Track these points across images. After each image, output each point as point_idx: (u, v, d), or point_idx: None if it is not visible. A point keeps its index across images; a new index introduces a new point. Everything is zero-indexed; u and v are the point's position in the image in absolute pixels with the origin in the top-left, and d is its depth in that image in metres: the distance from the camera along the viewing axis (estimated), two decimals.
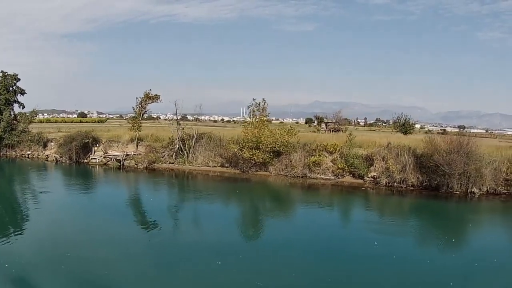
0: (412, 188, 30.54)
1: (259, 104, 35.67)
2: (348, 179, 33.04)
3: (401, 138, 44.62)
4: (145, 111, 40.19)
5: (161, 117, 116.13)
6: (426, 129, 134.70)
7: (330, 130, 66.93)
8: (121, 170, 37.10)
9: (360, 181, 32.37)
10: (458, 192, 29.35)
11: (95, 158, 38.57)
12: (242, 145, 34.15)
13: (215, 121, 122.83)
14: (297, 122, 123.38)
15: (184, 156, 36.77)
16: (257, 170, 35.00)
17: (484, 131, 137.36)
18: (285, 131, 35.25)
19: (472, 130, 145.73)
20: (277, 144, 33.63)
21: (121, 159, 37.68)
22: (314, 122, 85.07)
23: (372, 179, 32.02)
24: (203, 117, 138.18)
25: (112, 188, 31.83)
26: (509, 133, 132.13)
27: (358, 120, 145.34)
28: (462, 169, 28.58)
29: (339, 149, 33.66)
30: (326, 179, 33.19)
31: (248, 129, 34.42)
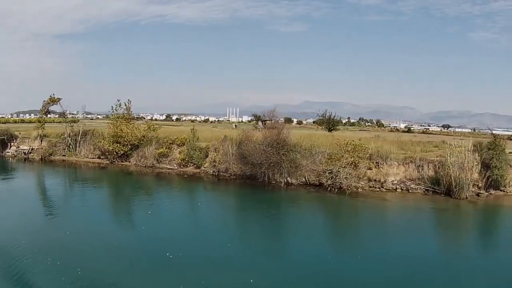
0: (234, 177, 30.69)
1: (124, 104, 38.00)
2: (190, 169, 33.80)
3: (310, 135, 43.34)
4: (49, 112, 43.76)
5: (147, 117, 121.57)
6: (413, 128, 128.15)
7: (267, 127, 67.08)
8: (25, 161, 40.75)
9: (198, 170, 33.44)
10: (274, 182, 28.74)
11: (9, 152, 42.80)
12: (107, 139, 36.53)
13: (192, 121, 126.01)
14: (285, 122, 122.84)
15: (72, 150, 39.90)
16: (122, 161, 36.60)
17: (470, 131, 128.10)
18: (147, 127, 37.27)
19: (458, 129, 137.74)
20: (133, 138, 35.67)
21: (27, 152, 41.63)
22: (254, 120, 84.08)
23: (206, 168, 32.93)
24: (189, 117, 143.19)
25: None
26: (494, 132, 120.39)
27: (342, 120, 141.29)
28: (271, 160, 28.51)
29: (186, 143, 34.92)
30: (170, 168, 34.39)
31: (111, 125, 36.76)
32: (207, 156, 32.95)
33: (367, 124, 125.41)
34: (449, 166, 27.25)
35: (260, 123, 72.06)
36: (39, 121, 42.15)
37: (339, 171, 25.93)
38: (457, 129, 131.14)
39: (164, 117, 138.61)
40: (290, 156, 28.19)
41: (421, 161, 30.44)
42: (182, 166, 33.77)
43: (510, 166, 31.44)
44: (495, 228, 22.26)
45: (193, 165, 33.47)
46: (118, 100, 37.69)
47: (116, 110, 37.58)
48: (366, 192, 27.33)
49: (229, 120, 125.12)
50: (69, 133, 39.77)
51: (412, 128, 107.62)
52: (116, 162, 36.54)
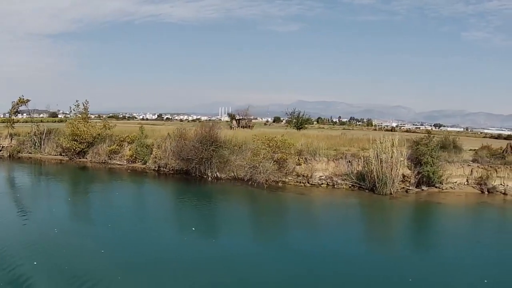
0: (172, 172, 32.44)
1: (83, 104, 40.25)
2: (138, 164, 35.64)
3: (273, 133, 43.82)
4: (18, 113, 46.34)
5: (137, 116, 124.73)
6: (405, 128, 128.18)
7: (241, 126, 68.59)
8: None
9: (144, 166, 35.16)
10: (206, 176, 30.48)
11: None
12: (66, 137, 38.69)
13: (181, 120, 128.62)
14: (274, 121, 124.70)
15: (37, 147, 42.27)
16: (79, 158, 38.82)
17: (463, 130, 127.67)
18: (104, 125, 39.34)
19: (450, 129, 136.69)
20: (88, 136, 37.72)
21: None
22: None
23: (150, 164, 34.67)
24: (181, 117, 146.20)
25: None
26: (486, 131, 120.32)
27: (333, 119, 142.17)
28: (201, 155, 30.05)
29: (135, 140, 36.73)
30: (120, 164, 36.31)
31: (69, 124, 39.00)
32: (151, 152, 34.65)
33: (358, 123, 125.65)
34: (372, 162, 28.03)
35: (234, 122, 74.11)
36: (9, 121, 44.68)
37: (257, 166, 27.26)
38: (449, 128, 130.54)
39: (155, 116, 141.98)
40: (219, 152, 29.69)
41: (351, 157, 31.45)
42: (130, 162, 35.72)
43: (449, 162, 32.14)
44: (405, 224, 22.96)
45: (140, 161, 35.25)
46: (77, 101, 40.02)
47: (74, 110, 39.79)
48: (289, 187, 28.66)
49: (220, 119, 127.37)
50: (35, 132, 42.11)
51: (402, 127, 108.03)
52: (74, 158, 38.71)
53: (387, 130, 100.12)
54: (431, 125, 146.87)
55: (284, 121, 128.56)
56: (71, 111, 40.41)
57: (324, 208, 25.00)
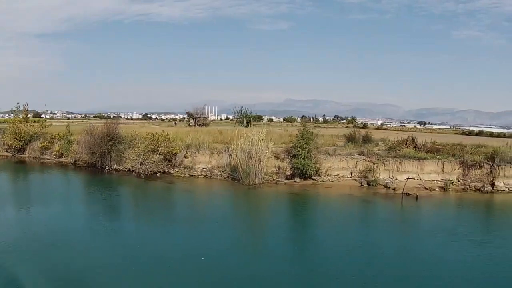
0: (85, 164, 37.87)
1: (23, 106, 47.14)
2: (64, 159, 41.83)
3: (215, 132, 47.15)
4: None
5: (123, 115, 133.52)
6: (393, 126, 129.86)
7: (198, 124, 74.27)
8: None
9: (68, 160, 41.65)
10: (106, 168, 35.87)
11: None
12: (8, 135, 45.71)
13: (162, 119, 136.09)
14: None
15: None
16: (20, 154, 45.27)
17: (449, 127, 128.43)
18: (41, 125, 46.17)
19: (435, 126, 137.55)
20: (25, 135, 44.55)
21: None
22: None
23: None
24: (167, 116, 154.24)
25: None
26: (472, 128, 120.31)
27: (318, 118, 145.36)
28: (101, 149, 35.55)
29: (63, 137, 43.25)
30: (50, 159, 42.43)
31: (10, 123, 45.97)
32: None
33: (342, 121, 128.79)
34: (236, 155, 31.50)
35: (192, 120, 79.77)
36: None
37: (136, 158, 33.06)
38: (434, 126, 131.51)
39: (141, 116, 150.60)
40: (117, 146, 35.70)
41: (231, 151, 35.92)
42: (58, 157, 42.16)
43: (330, 155, 35.88)
44: (241, 210, 25.20)
45: (66, 156, 41.74)
46: (18, 103, 47.06)
47: (14, 111, 46.84)
48: (170, 177, 32.76)
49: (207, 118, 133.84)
50: None
51: (388, 125, 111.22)
52: (16, 154, 45.60)
53: (358, 127, 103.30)
54: (415, 123, 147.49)
55: (265, 119, 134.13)
56: (11, 112, 47.49)
57: (172, 194, 29.07)
